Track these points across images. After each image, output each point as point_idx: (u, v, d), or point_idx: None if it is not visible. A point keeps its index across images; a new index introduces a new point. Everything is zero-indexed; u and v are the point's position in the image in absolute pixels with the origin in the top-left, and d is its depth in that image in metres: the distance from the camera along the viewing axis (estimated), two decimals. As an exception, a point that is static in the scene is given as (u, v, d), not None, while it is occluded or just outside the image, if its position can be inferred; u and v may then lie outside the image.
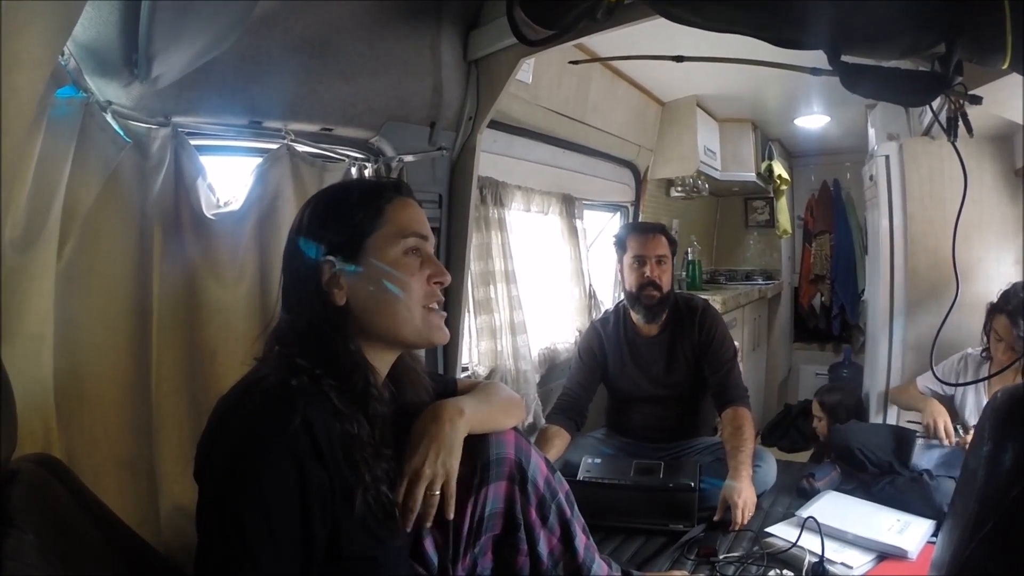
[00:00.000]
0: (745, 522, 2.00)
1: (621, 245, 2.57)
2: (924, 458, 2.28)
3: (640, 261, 2.48)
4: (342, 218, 1.12)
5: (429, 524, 1.18)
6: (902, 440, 2.38)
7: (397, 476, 1.14)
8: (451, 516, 1.20)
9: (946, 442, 2.32)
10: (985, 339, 2.35)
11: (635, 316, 2.55)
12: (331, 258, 1.10)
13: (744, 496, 2.03)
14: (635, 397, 2.56)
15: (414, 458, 1.17)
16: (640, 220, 3.87)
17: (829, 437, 3.50)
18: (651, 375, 2.53)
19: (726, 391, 2.40)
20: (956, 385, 2.39)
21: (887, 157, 2.90)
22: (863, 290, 4.80)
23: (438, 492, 1.17)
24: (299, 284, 1.12)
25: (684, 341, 2.51)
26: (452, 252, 2.18)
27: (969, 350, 2.44)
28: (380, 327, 1.13)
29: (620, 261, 2.59)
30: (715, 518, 2.02)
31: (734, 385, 2.42)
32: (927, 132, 2.85)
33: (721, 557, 1.82)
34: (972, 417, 2.34)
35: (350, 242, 1.11)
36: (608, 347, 2.59)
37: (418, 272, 1.14)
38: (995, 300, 2.30)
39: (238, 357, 1.45)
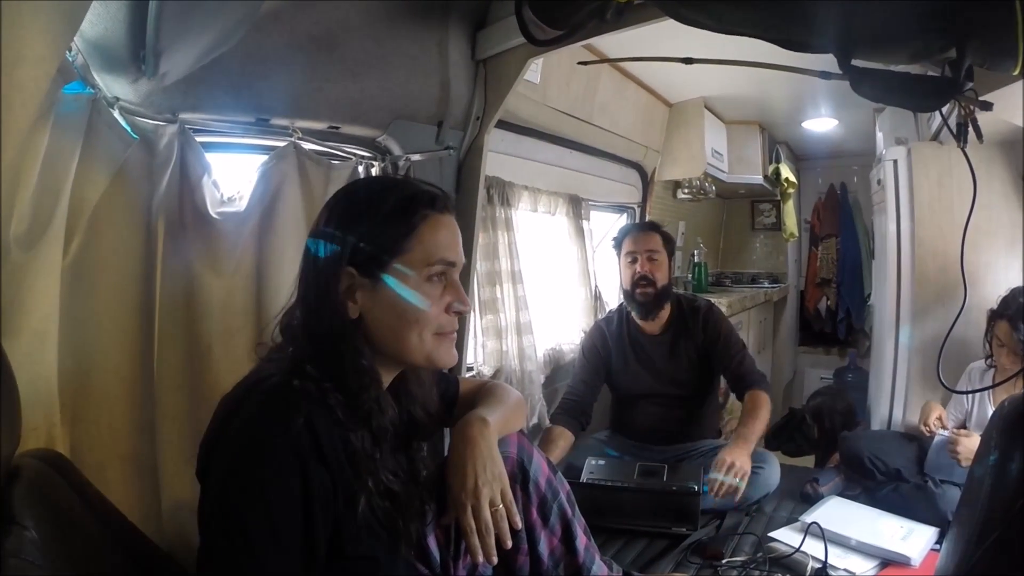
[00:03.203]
0: (727, 484, 2.04)
1: (618, 246, 2.61)
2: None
3: (632, 258, 2.52)
4: (370, 230, 1.07)
5: (509, 543, 1.20)
6: (914, 446, 2.37)
7: (404, 478, 1.13)
8: (518, 524, 1.23)
9: (928, 431, 2.36)
10: (988, 347, 2.34)
11: (633, 314, 2.57)
12: (351, 269, 1.06)
13: (734, 457, 2.08)
14: (638, 395, 2.57)
15: (466, 483, 1.19)
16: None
17: (823, 442, 3.50)
18: (654, 373, 2.54)
19: (744, 378, 2.42)
20: (967, 393, 2.38)
21: (895, 161, 2.88)
22: (869, 294, 4.77)
23: (501, 504, 1.20)
24: (318, 286, 1.08)
25: (688, 341, 2.52)
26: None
27: (972, 364, 2.43)
28: (387, 346, 1.10)
29: (618, 262, 2.61)
30: (708, 475, 2.07)
31: (749, 371, 2.44)
32: (936, 137, 2.84)
33: (724, 561, 1.81)
34: (977, 427, 2.33)
35: (373, 258, 1.06)
36: (612, 344, 2.60)
37: (437, 300, 1.09)
38: (995, 306, 2.29)
39: (234, 352, 1.46)
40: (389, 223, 1.07)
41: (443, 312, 1.11)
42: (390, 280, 1.07)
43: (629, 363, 2.57)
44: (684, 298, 2.65)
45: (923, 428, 2.38)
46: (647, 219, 3.88)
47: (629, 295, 2.53)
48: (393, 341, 1.09)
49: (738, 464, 2.07)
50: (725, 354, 2.47)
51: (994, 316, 2.29)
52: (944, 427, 2.35)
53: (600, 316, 3.13)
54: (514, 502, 1.23)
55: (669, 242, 2.59)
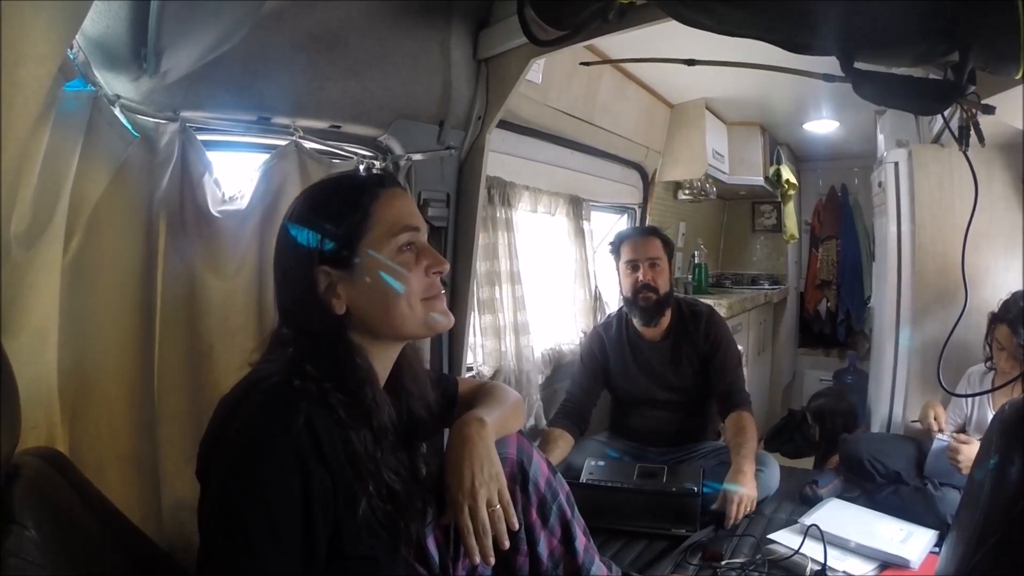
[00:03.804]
0: (738, 518, 2.02)
1: (616, 251, 2.58)
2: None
3: (633, 265, 2.49)
4: (328, 225, 1.09)
5: (507, 544, 1.20)
6: (913, 449, 2.37)
7: (405, 477, 1.13)
8: (516, 525, 1.22)
9: (935, 427, 2.34)
10: (988, 349, 2.34)
11: (635, 321, 2.55)
12: (325, 268, 1.08)
13: (742, 493, 2.05)
14: (639, 401, 2.56)
15: (463, 483, 1.19)
16: (640, 224, 3.84)
17: (823, 444, 3.50)
18: (655, 379, 2.53)
19: (730, 398, 2.41)
20: (965, 396, 2.38)
21: (896, 163, 2.88)
22: (869, 296, 4.78)
23: (498, 504, 1.20)
24: (296, 295, 1.10)
25: (688, 347, 2.51)
26: (459, 251, 2.17)
27: (972, 368, 2.43)
28: (383, 327, 1.12)
29: (616, 267, 2.59)
30: (712, 506, 2.05)
31: (738, 391, 2.43)
32: (937, 139, 2.84)
33: (723, 563, 1.81)
34: (977, 431, 2.33)
35: (341, 250, 1.09)
36: (611, 351, 2.59)
37: (415, 266, 1.12)
38: (995, 310, 2.29)
39: (235, 352, 1.46)
40: (344, 213, 1.10)
41: (424, 277, 1.13)
42: (365, 264, 1.09)
43: (629, 369, 2.56)
44: (684, 302, 2.64)
45: (933, 423, 2.36)
46: (647, 220, 3.88)
47: (631, 302, 2.51)
48: (386, 320, 1.11)
49: (747, 499, 2.06)
50: (720, 367, 2.46)
51: (994, 320, 2.28)
52: (942, 428, 2.35)
53: (600, 317, 3.13)
54: (512, 503, 1.23)
55: (669, 246, 2.57)
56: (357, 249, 1.09)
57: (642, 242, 2.52)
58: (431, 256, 1.15)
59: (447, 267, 1.17)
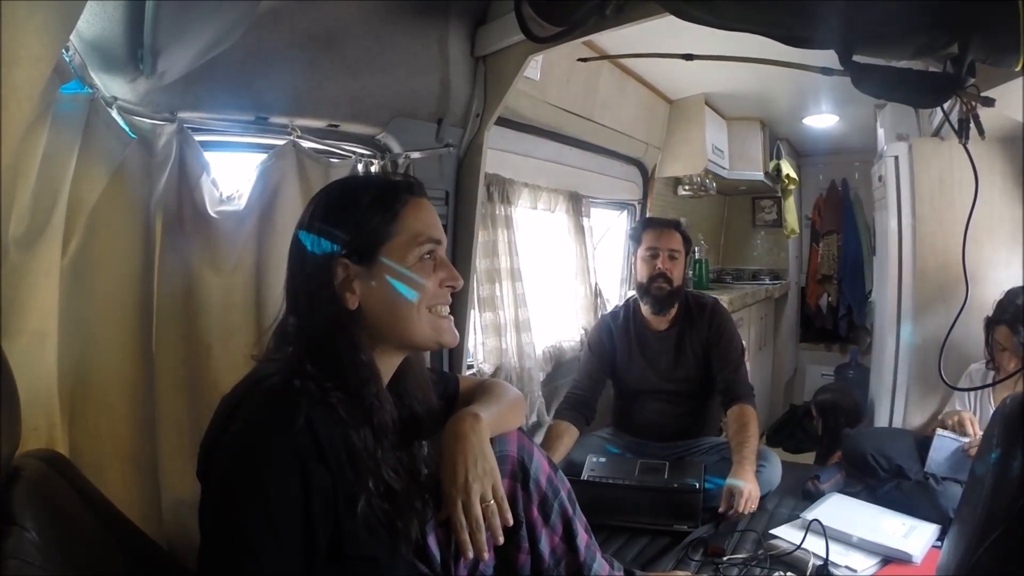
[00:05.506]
0: (745, 512, 2.02)
1: (636, 238, 2.60)
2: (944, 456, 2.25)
3: (653, 253, 2.51)
4: (355, 221, 1.09)
5: (501, 539, 1.19)
6: (916, 444, 2.37)
7: (404, 476, 1.13)
8: (510, 521, 1.21)
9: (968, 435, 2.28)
10: (987, 351, 2.34)
11: (644, 308, 2.57)
12: (344, 260, 1.08)
13: (747, 489, 2.04)
14: (642, 391, 2.57)
15: (456, 478, 1.18)
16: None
17: (826, 439, 3.50)
18: (659, 369, 2.54)
19: (732, 388, 2.41)
20: (968, 390, 2.37)
21: (896, 157, 2.88)
22: (870, 291, 4.77)
23: (492, 500, 1.18)
24: (309, 285, 1.09)
25: (693, 338, 2.53)
26: (458, 249, 2.17)
27: (972, 366, 2.42)
28: (390, 331, 1.12)
29: (634, 254, 2.61)
30: (720, 510, 2.04)
31: (740, 383, 2.43)
32: (937, 133, 2.83)
33: (725, 559, 1.81)
34: (980, 426, 2.32)
35: (363, 247, 1.09)
36: (617, 339, 2.60)
37: (431, 275, 1.13)
38: (991, 313, 2.29)
39: (233, 351, 1.46)
40: (373, 212, 1.10)
41: (438, 288, 1.14)
42: (384, 265, 1.09)
43: (634, 359, 2.58)
44: (691, 295, 2.66)
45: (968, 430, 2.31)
46: (647, 215, 3.88)
47: (644, 289, 2.53)
48: (394, 324, 1.11)
49: (754, 495, 2.06)
50: (724, 356, 2.48)
51: (992, 322, 2.28)
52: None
53: (601, 313, 3.13)
54: (505, 498, 1.22)
55: (688, 242, 2.61)
56: (379, 249, 1.09)
57: (665, 233, 2.55)
58: (447, 270, 1.16)
59: (461, 283, 1.17)
